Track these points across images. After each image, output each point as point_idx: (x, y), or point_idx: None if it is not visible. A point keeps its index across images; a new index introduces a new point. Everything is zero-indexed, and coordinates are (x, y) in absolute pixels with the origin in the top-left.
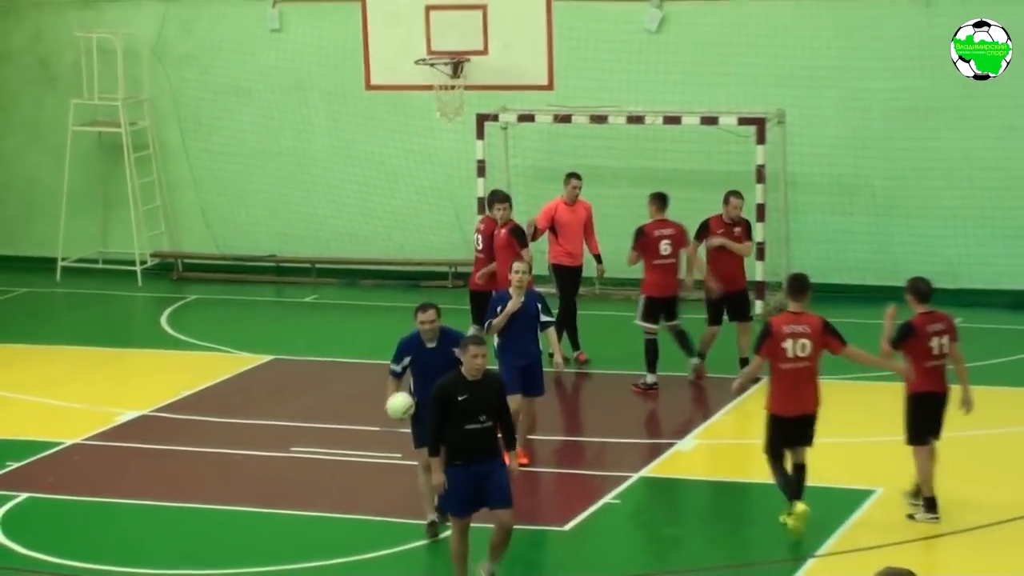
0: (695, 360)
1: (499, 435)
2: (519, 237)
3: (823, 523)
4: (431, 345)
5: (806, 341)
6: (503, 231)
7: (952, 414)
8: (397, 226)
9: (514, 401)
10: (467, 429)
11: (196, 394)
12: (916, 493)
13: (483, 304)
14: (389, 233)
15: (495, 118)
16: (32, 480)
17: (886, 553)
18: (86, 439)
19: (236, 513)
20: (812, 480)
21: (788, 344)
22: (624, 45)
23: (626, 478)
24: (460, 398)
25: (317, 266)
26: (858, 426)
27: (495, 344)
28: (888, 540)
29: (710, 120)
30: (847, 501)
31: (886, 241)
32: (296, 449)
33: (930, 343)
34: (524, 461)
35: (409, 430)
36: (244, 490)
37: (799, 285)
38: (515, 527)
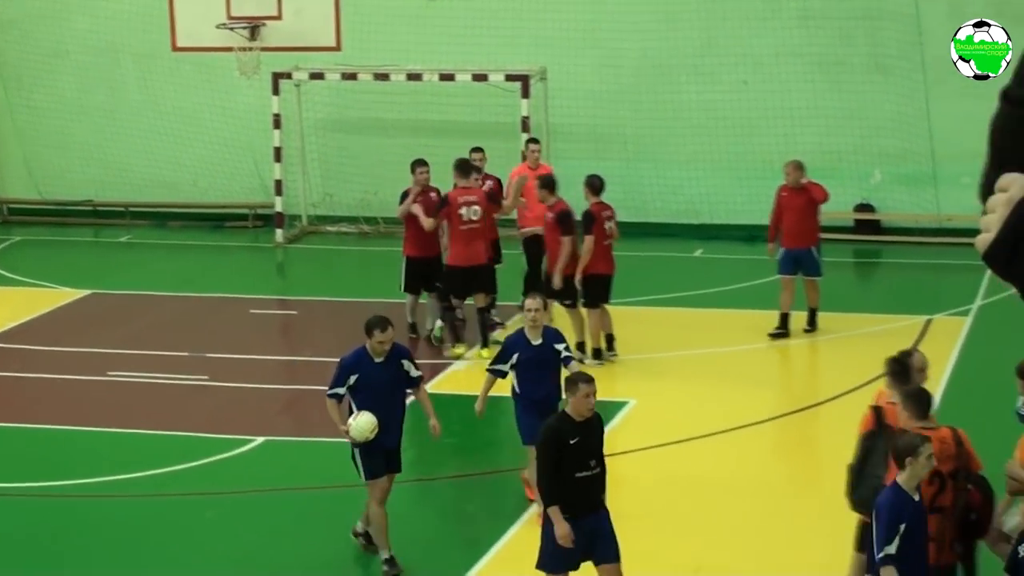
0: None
1: None
2: (565, 224)
3: None
4: (379, 360)
5: (477, 207)
6: (550, 214)
7: (699, 336)
8: (202, 173)
9: (532, 451)
10: (578, 477)
11: (22, 325)
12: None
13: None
14: (195, 180)
15: (289, 76)
16: None
17: (640, 456)
18: None
19: (59, 431)
20: None
21: (463, 211)
22: (404, 11)
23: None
24: (571, 442)
25: (131, 210)
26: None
27: (513, 387)
28: (641, 445)
29: (480, 77)
30: (608, 410)
31: (636, 183)
32: (113, 373)
33: (604, 226)
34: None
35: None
36: (66, 411)
37: (464, 166)
38: (312, 439)
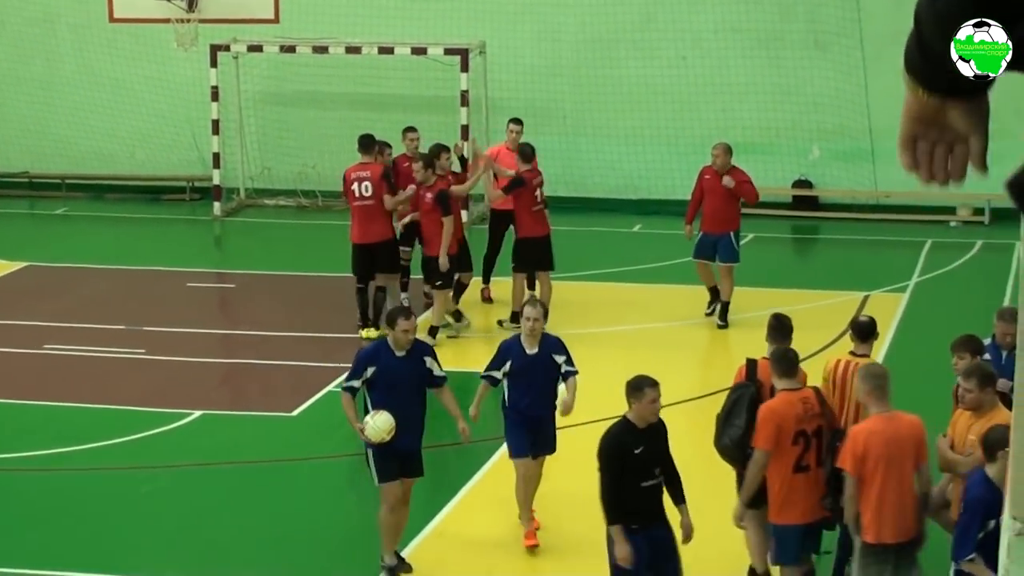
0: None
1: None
2: (444, 204)
3: None
4: (400, 353)
5: (368, 183)
6: (428, 195)
7: (636, 312)
8: (140, 145)
9: (522, 466)
10: (643, 487)
11: None
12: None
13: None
14: (132, 152)
15: (227, 48)
16: None
17: (575, 432)
18: None
19: None
20: None
21: (355, 187)
22: None
23: (346, 368)
24: (636, 451)
25: (67, 181)
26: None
27: (502, 397)
28: (577, 420)
29: (419, 50)
30: None
31: (575, 158)
32: (49, 346)
33: (535, 193)
34: (533, 543)
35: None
36: (1, 384)
37: (366, 141)
38: (249, 413)
